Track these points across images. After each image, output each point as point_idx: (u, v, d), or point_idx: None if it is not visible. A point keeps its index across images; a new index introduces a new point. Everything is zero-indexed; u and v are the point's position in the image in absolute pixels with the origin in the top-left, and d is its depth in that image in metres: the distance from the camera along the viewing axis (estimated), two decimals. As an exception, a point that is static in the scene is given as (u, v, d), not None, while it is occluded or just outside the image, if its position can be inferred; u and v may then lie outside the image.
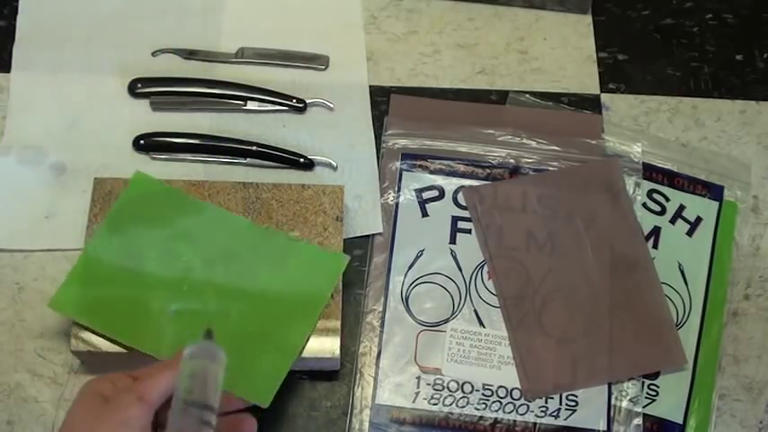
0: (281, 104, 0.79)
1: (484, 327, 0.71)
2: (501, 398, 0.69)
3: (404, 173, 0.77)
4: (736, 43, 0.85)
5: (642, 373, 0.70)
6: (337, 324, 0.67)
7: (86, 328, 0.65)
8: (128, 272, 0.67)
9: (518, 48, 0.84)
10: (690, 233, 0.76)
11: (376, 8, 0.85)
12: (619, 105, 0.82)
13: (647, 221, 0.75)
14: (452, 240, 0.74)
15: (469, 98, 0.81)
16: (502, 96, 0.81)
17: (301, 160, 0.76)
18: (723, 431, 0.71)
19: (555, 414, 0.69)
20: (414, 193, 0.76)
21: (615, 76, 0.83)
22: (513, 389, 0.69)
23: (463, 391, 0.69)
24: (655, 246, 0.75)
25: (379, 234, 0.74)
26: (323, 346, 0.66)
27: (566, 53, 0.84)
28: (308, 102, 0.79)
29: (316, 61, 0.81)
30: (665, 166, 0.78)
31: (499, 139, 0.78)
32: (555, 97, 0.82)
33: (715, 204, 0.77)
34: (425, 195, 0.76)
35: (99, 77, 0.80)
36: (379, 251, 0.74)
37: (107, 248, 0.68)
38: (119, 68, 0.80)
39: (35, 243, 0.73)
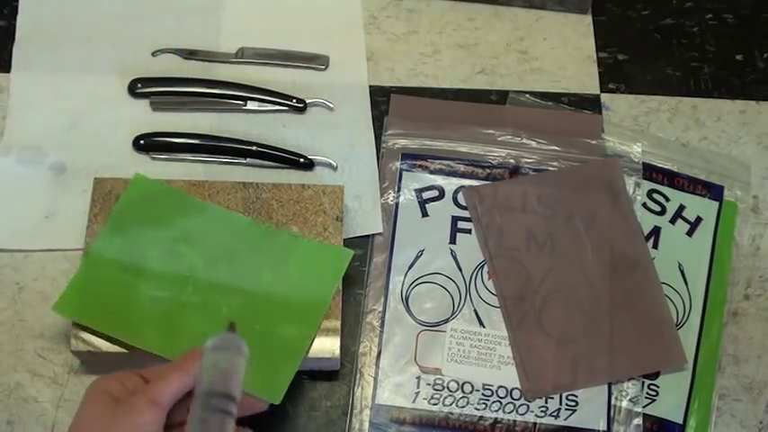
0: (281, 104, 0.79)
1: (484, 327, 0.71)
2: (501, 398, 0.69)
3: (404, 173, 0.77)
4: (736, 43, 0.85)
5: (642, 373, 0.70)
6: (337, 324, 0.67)
7: (86, 328, 0.65)
8: (131, 274, 0.67)
9: (518, 48, 0.84)
10: (690, 233, 0.76)
11: (376, 8, 0.85)
12: (619, 105, 0.82)
13: (647, 221, 0.75)
14: (452, 240, 0.74)
15: (469, 98, 0.81)
16: (502, 96, 0.81)
17: (301, 160, 0.76)
18: (723, 431, 0.71)
19: (555, 414, 0.69)
20: (414, 193, 0.76)
21: (615, 76, 0.83)
22: (513, 389, 0.69)
23: (463, 391, 0.69)
24: (655, 246, 0.75)
25: (379, 234, 0.74)
26: (323, 346, 0.66)
27: (566, 53, 0.84)
28: (308, 102, 0.79)
29: (316, 61, 0.81)
30: (665, 166, 0.78)
31: (499, 139, 0.78)
32: (555, 97, 0.82)
33: (715, 204, 0.77)
34: (425, 195, 0.76)
35: (99, 77, 0.80)
36: (379, 251, 0.74)
37: (109, 251, 0.68)
38: (119, 68, 0.80)
39: (35, 243, 0.73)
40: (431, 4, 0.86)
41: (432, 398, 0.69)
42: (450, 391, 0.69)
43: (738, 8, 0.87)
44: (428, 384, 0.69)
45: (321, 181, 0.76)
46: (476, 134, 0.78)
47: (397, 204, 0.75)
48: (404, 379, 0.70)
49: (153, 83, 0.79)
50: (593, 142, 0.78)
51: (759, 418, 0.71)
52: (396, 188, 0.76)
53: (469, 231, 0.75)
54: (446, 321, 0.71)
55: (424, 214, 0.75)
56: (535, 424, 0.69)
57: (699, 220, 0.76)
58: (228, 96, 0.78)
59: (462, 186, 0.76)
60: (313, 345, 0.66)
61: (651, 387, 0.71)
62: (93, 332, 0.65)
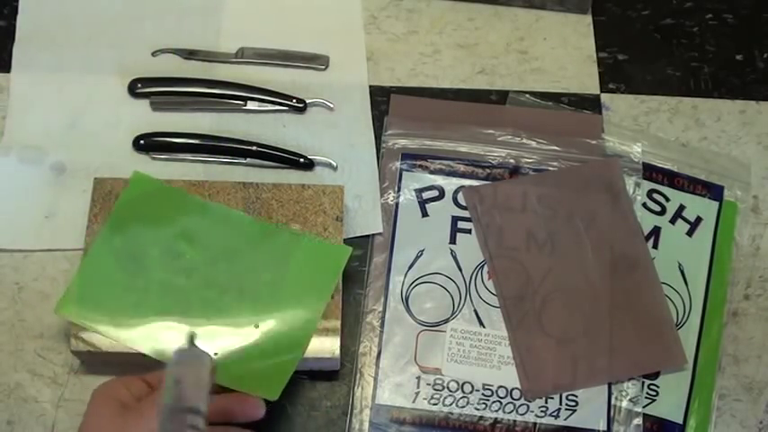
0: (280, 104, 0.79)
1: (484, 327, 0.71)
2: (501, 398, 0.69)
3: (404, 173, 0.77)
4: (736, 43, 0.85)
5: (642, 373, 0.70)
6: (337, 324, 0.67)
7: (86, 328, 0.65)
8: (132, 274, 0.67)
9: (518, 48, 0.84)
10: (690, 233, 0.76)
11: (376, 8, 0.85)
12: (619, 105, 0.82)
13: (647, 221, 0.75)
14: (452, 240, 0.74)
15: (469, 98, 0.81)
16: (502, 96, 0.81)
17: (301, 160, 0.76)
18: (723, 431, 0.71)
19: (555, 414, 0.69)
20: (414, 193, 0.76)
21: (615, 76, 0.83)
22: (513, 389, 0.69)
23: (463, 391, 0.69)
24: (655, 246, 0.75)
25: (379, 234, 0.74)
26: (323, 346, 0.66)
27: (566, 53, 0.84)
28: (308, 102, 0.79)
29: (316, 61, 0.81)
30: (665, 166, 0.78)
31: (499, 139, 0.78)
32: (555, 97, 0.82)
33: (715, 204, 0.77)
34: (425, 195, 0.76)
35: (99, 77, 0.79)
36: (379, 251, 0.74)
37: (110, 251, 0.68)
38: (119, 68, 0.80)
39: (35, 243, 0.73)
40: (431, 4, 0.86)
41: (432, 398, 0.69)
42: (451, 391, 0.69)
43: (738, 8, 0.87)
44: (428, 384, 0.69)
45: (321, 181, 0.76)
46: (476, 134, 0.78)
47: (397, 204, 0.75)
48: (404, 379, 0.70)
49: (153, 83, 0.79)
50: (593, 142, 0.78)
51: (759, 418, 0.71)
52: (396, 188, 0.76)
53: (469, 231, 0.75)
54: (446, 321, 0.71)
55: (424, 214, 0.75)
56: (535, 424, 0.69)
57: (699, 220, 0.76)
58: (228, 96, 0.78)
59: (462, 186, 0.76)
60: (313, 345, 0.66)
61: (651, 387, 0.71)
62: (93, 332, 0.65)
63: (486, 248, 0.74)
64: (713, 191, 0.78)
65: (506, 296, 0.72)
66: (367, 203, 0.76)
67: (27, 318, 0.71)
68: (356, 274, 0.73)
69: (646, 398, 0.70)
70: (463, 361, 0.70)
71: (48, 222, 0.73)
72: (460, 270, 0.73)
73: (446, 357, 0.70)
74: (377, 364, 0.70)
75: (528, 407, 0.69)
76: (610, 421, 0.69)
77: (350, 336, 0.71)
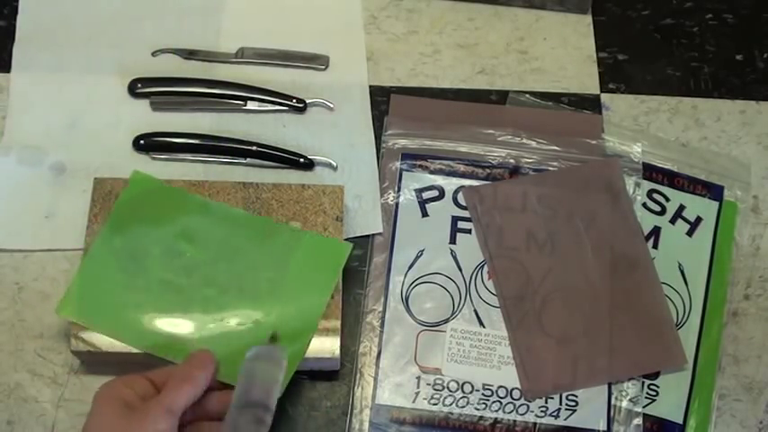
0: (281, 104, 0.79)
1: (484, 327, 0.71)
2: (501, 398, 0.69)
3: (404, 173, 0.77)
4: (736, 43, 0.85)
5: (642, 373, 0.70)
6: (337, 324, 0.67)
7: (86, 328, 0.65)
8: (132, 274, 0.67)
9: (518, 48, 0.84)
10: (690, 233, 0.76)
11: (376, 8, 0.85)
12: (619, 105, 0.82)
13: (647, 221, 0.75)
14: (452, 240, 0.74)
15: (469, 98, 0.81)
16: (502, 96, 0.81)
17: (301, 160, 0.76)
18: (723, 431, 0.71)
19: (555, 414, 0.69)
20: (414, 193, 0.76)
21: (615, 76, 0.83)
22: (513, 389, 0.69)
23: (463, 391, 0.69)
24: (655, 246, 0.75)
25: (379, 234, 0.74)
26: (323, 346, 0.66)
27: (566, 53, 0.84)
28: (308, 102, 0.79)
29: (316, 61, 0.81)
30: (665, 166, 0.78)
31: (499, 139, 0.78)
32: (555, 97, 0.82)
33: (715, 204, 0.77)
34: (425, 195, 0.76)
35: (99, 77, 0.79)
36: (379, 251, 0.74)
37: (110, 251, 0.68)
38: (119, 68, 0.80)
39: (35, 243, 0.73)
40: (431, 4, 0.86)
41: (432, 398, 0.69)
42: (450, 391, 0.69)
43: (738, 8, 0.87)
44: (428, 384, 0.69)
45: (321, 181, 0.76)
46: (476, 134, 0.78)
47: (397, 204, 0.75)
48: (404, 379, 0.70)
49: (153, 83, 0.79)
50: (593, 142, 0.78)
51: (759, 418, 0.71)
52: (396, 188, 0.76)
53: (469, 231, 0.75)
54: (446, 321, 0.71)
55: (424, 214, 0.75)
56: (535, 424, 0.69)
57: (699, 220, 0.76)
58: (228, 96, 0.78)
59: (462, 186, 0.76)
60: (313, 345, 0.66)
61: (651, 387, 0.71)
62: (93, 332, 0.65)
63: (486, 248, 0.74)
64: (713, 191, 0.78)
65: (506, 296, 0.72)
66: (367, 203, 0.76)
67: (27, 318, 0.71)
68: (356, 274, 0.73)
69: (646, 398, 0.70)
70: (463, 361, 0.70)
71: (48, 222, 0.73)
72: (460, 270, 0.73)
73: (446, 357, 0.70)
74: (377, 364, 0.70)
75: (528, 407, 0.69)
76: (610, 421, 0.69)
77: (350, 336, 0.71)
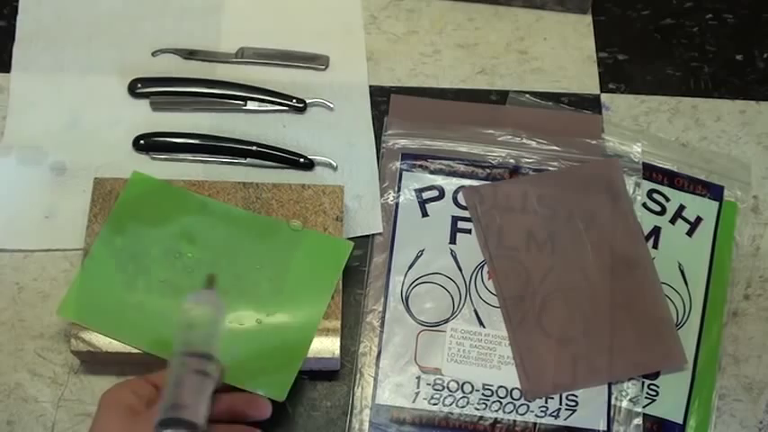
0: (281, 104, 0.79)
1: (484, 327, 0.71)
2: (501, 398, 0.69)
3: (404, 173, 0.77)
4: (736, 43, 0.85)
5: (642, 373, 0.70)
6: (337, 324, 0.67)
7: (86, 328, 0.65)
8: (133, 274, 0.67)
9: (518, 48, 0.84)
10: (690, 233, 0.76)
11: (376, 8, 0.85)
12: (619, 105, 0.82)
13: (647, 221, 0.75)
14: (452, 240, 0.74)
15: (469, 98, 0.81)
16: (502, 96, 0.81)
17: (301, 160, 0.76)
18: (723, 431, 0.71)
19: (555, 414, 0.69)
20: (414, 193, 0.76)
21: (615, 76, 0.83)
22: (513, 389, 0.69)
23: (463, 391, 0.69)
24: (655, 246, 0.75)
25: (379, 234, 0.74)
26: (323, 346, 0.66)
27: (566, 53, 0.84)
28: (308, 102, 0.79)
29: (316, 61, 0.81)
30: (665, 166, 0.78)
31: (499, 139, 0.78)
32: (555, 97, 0.82)
33: (715, 204, 0.77)
34: (425, 195, 0.76)
35: (99, 77, 0.80)
36: (379, 251, 0.74)
37: (110, 252, 0.68)
38: (119, 68, 0.80)
39: (35, 243, 0.73)
40: (431, 4, 0.86)
41: (432, 398, 0.69)
42: (451, 391, 0.69)
43: (738, 8, 0.87)
44: (428, 384, 0.69)
45: (321, 181, 0.76)
46: (476, 134, 0.78)
47: (397, 204, 0.75)
48: (404, 379, 0.70)
49: (153, 83, 0.79)
50: (593, 142, 0.78)
51: (759, 418, 0.71)
52: (396, 188, 0.76)
53: (469, 231, 0.75)
54: (446, 321, 0.71)
55: (424, 214, 0.75)
56: (535, 424, 0.69)
57: (699, 220, 0.76)
58: (228, 96, 0.78)
59: (462, 186, 0.76)
60: (313, 345, 0.66)
61: (651, 387, 0.71)
62: (93, 332, 0.65)
63: (486, 248, 0.74)
64: (713, 191, 0.78)
65: (506, 296, 0.72)
66: (367, 203, 0.76)
67: (27, 318, 0.71)
68: (356, 274, 0.73)
69: (646, 398, 0.70)
70: (463, 361, 0.70)
71: (48, 222, 0.73)
72: (460, 270, 0.73)
73: (446, 357, 0.70)
74: (377, 364, 0.70)
75: (528, 407, 0.69)
76: (610, 421, 0.69)
77: (350, 336, 0.71)
